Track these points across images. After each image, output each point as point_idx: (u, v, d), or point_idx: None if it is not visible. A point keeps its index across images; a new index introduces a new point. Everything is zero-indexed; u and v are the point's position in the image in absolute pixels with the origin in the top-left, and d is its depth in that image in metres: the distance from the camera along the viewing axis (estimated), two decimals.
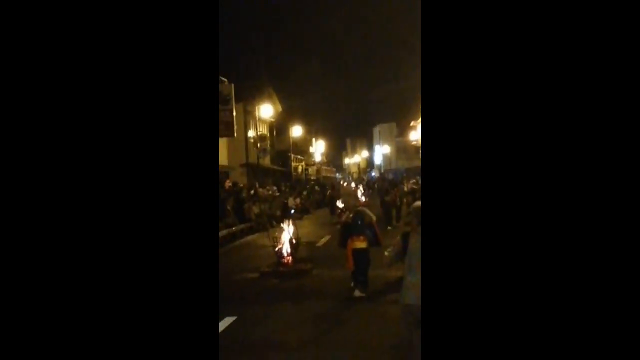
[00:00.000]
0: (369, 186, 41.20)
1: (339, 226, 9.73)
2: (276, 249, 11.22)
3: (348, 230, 8.69)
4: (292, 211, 24.05)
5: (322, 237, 16.01)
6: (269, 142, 37.12)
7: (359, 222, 8.59)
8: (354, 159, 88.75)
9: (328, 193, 28.50)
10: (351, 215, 8.80)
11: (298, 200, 28.16)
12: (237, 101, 25.44)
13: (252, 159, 33.04)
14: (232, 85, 24.46)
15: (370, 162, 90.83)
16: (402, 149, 72.37)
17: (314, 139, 54.91)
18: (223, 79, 24.24)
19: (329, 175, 63.64)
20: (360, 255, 8.42)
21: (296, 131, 43.56)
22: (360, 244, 8.47)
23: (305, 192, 32.44)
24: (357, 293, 8.27)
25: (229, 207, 19.10)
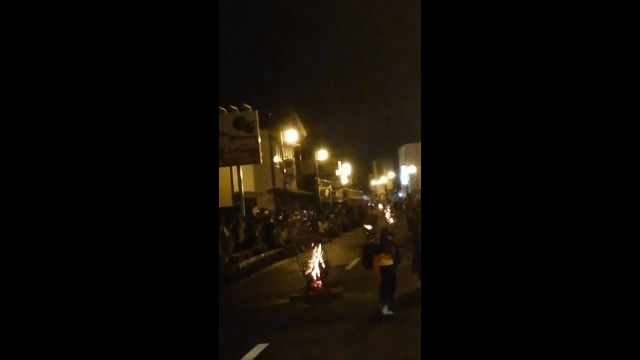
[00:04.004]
0: (396, 207, 41.00)
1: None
2: (306, 273, 11.18)
3: (373, 249, 8.79)
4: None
5: (351, 260, 15.94)
6: (295, 167, 37.28)
7: (387, 240, 8.70)
8: (381, 181, 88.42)
9: (369, 213, 28.38)
10: (379, 235, 8.89)
11: (326, 224, 28.13)
12: (261, 127, 25.62)
13: (279, 184, 33.19)
14: (256, 112, 24.66)
15: (397, 183, 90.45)
16: None
17: (339, 162, 54.91)
18: (247, 106, 24.47)
19: (356, 197, 63.46)
20: (387, 273, 8.49)
21: (322, 155, 43.66)
22: (387, 261, 8.55)
23: (332, 216, 32.40)
24: (385, 311, 8.34)
25: (257, 234, 19.14)
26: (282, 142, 35.27)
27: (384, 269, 8.52)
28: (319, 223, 26.66)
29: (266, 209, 25.32)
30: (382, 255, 8.60)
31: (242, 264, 16.09)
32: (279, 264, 18.17)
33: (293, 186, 37.02)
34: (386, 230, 9.05)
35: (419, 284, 9.48)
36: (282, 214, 24.51)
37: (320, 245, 11.91)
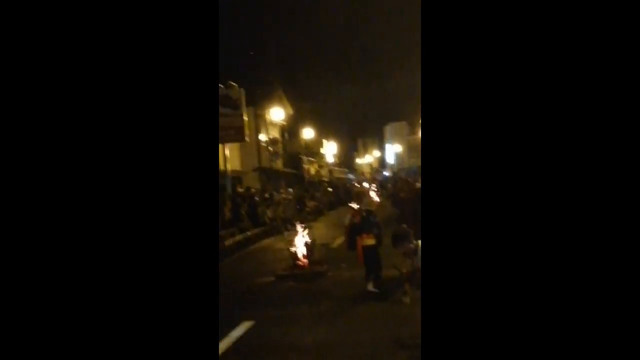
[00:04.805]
0: (382, 185, 41.12)
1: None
2: (291, 251, 11.23)
3: (356, 230, 8.85)
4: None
5: (336, 239, 15.99)
6: (280, 145, 37.21)
7: (369, 220, 8.75)
8: (366, 159, 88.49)
9: (355, 191, 28.31)
10: (364, 214, 8.94)
11: (312, 203, 28.17)
12: (247, 106, 25.48)
13: (265, 162, 33.13)
14: (242, 89, 24.50)
15: (382, 162, 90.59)
16: (413, 147, 72.35)
17: (325, 141, 54.87)
18: (233, 83, 24.27)
19: (341, 176, 63.50)
20: (370, 253, 8.54)
21: (307, 133, 43.57)
22: (369, 241, 8.59)
23: (318, 194, 32.44)
24: (370, 287, 8.43)
25: (243, 212, 19.14)
26: (267, 120, 35.11)
27: (366, 248, 8.58)
28: (306, 201, 26.69)
29: (252, 187, 25.28)
30: (365, 235, 8.67)
31: (228, 242, 16.12)
32: (264, 242, 18.19)
33: (279, 164, 36.96)
34: (369, 210, 9.12)
35: (399, 264, 9.51)
36: (267, 192, 24.49)
37: (306, 223, 11.95)
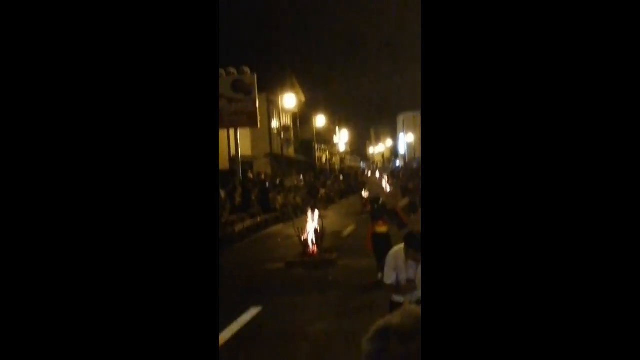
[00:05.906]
0: (393, 175, 41.18)
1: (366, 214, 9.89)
2: (301, 239, 11.20)
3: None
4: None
5: (347, 227, 15.97)
6: (292, 132, 37.22)
7: (376, 207, 8.71)
8: (378, 149, 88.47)
9: (370, 180, 28.46)
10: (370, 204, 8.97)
11: (323, 190, 28.19)
12: (259, 91, 25.41)
13: (276, 149, 33.14)
14: (255, 75, 24.45)
15: (394, 152, 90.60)
16: None
17: (337, 129, 54.83)
18: (246, 68, 24.25)
19: (353, 164, 63.58)
20: (380, 240, 8.41)
21: (320, 121, 43.51)
22: (380, 228, 8.47)
23: (329, 182, 32.45)
24: (381, 276, 8.36)
25: (253, 197, 19.16)
26: (280, 107, 35.09)
27: (377, 236, 8.49)
28: (317, 189, 26.71)
29: (263, 173, 25.32)
30: (375, 222, 8.59)
31: (238, 227, 16.14)
32: (274, 228, 18.21)
33: (290, 151, 36.98)
34: (375, 199, 9.09)
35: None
36: (278, 179, 24.52)
37: (316, 211, 11.92)
